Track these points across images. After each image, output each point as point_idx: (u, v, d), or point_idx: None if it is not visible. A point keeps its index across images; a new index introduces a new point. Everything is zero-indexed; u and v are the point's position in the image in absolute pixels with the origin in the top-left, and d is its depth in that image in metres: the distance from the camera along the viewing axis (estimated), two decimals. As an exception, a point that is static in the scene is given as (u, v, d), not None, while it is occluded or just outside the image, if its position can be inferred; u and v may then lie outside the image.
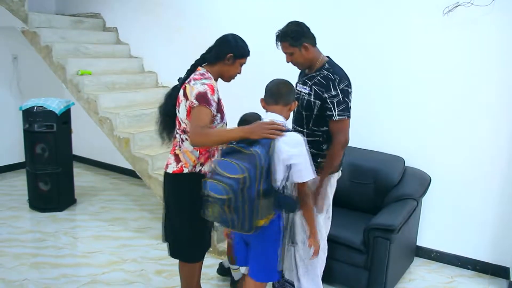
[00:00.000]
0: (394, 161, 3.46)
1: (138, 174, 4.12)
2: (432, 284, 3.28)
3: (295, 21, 2.55)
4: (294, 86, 2.74)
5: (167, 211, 2.44)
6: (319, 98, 2.51)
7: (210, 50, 2.38)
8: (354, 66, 3.64)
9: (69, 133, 4.48)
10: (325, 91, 2.49)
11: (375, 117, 3.66)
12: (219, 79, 2.42)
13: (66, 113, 4.37)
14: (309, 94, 2.55)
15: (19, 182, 5.15)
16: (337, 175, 2.72)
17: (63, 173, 4.39)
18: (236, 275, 3.07)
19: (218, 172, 1.94)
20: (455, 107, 3.37)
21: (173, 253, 2.47)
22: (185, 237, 2.40)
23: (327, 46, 3.69)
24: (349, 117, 2.51)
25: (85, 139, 5.78)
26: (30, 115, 4.21)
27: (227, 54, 2.31)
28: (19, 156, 5.34)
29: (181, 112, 2.28)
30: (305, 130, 2.62)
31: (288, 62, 2.61)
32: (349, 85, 2.52)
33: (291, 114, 2.78)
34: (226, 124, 2.40)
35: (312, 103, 2.53)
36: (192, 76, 2.30)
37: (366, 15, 3.63)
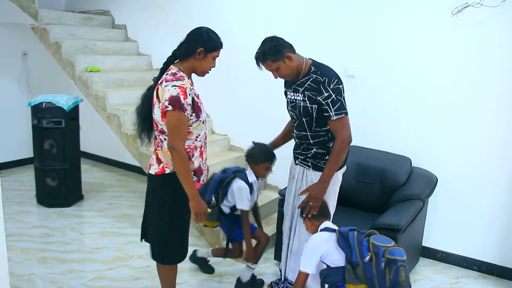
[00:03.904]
0: (401, 161, 3.45)
1: (145, 171, 4.13)
2: (438, 284, 3.27)
3: (268, 37, 2.53)
4: (284, 94, 2.77)
5: (148, 211, 2.48)
6: (314, 102, 2.51)
7: (180, 45, 2.33)
8: (362, 66, 3.65)
9: (77, 130, 4.51)
10: (317, 95, 2.48)
11: (382, 117, 3.66)
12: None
13: (75, 110, 4.40)
14: (303, 100, 2.55)
15: (27, 177, 5.20)
16: (342, 170, 2.72)
17: (70, 169, 4.42)
18: (245, 276, 3.06)
19: (385, 245, 2.20)
20: (463, 108, 3.36)
21: (154, 255, 2.49)
22: (165, 238, 2.41)
23: (336, 47, 3.70)
24: (346, 114, 2.50)
25: (93, 136, 5.83)
26: (39, 111, 4.24)
27: (197, 49, 2.27)
28: (27, 151, 5.38)
29: (156, 114, 2.27)
30: (309, 133, 2.62)
31: (276, 78, 2.58)
32: (339, 82, 2.50)
33: (292, 121, 2.79)
34: (203, 122, 2.34)
35: (309, 108, 2.53)
36: (164, 76, 2.26)
37: (374, 16, 3.61)
